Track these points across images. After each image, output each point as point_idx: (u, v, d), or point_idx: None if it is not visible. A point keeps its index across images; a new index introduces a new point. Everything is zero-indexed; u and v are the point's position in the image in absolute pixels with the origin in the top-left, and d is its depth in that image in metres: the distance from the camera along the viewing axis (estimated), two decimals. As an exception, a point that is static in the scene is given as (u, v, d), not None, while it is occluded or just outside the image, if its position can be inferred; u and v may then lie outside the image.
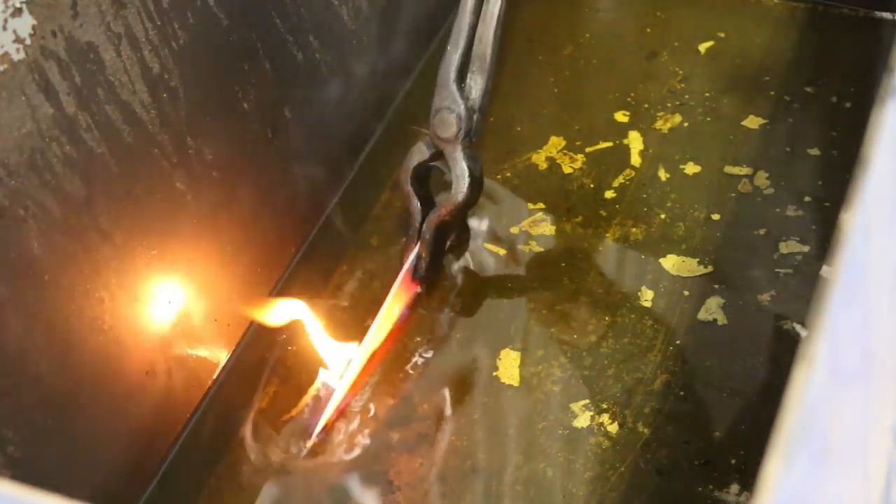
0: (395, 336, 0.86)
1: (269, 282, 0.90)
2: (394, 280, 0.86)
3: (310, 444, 0.80)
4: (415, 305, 0.88)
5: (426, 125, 0.86)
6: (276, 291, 0.89)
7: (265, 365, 0.86)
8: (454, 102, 0.85)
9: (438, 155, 0.87)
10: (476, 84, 0.86)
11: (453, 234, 0.91)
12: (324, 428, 0.80)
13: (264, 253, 0.89)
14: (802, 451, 0.39)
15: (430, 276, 0.89)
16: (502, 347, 0.85)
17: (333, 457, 0.80)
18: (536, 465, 0.78)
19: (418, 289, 0.88)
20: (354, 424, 0.81)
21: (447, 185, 0.87)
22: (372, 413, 0.82)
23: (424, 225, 0.87)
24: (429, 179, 0.89)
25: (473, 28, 0.85)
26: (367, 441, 0.80)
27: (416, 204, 0.88)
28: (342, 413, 0.82)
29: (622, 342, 0.85)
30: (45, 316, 0.68)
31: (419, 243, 0.87)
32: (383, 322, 0.85)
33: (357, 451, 0.80)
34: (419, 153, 0.88)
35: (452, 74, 0.85)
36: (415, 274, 0.88)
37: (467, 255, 0.92)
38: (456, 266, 0.91)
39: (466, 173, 0.86)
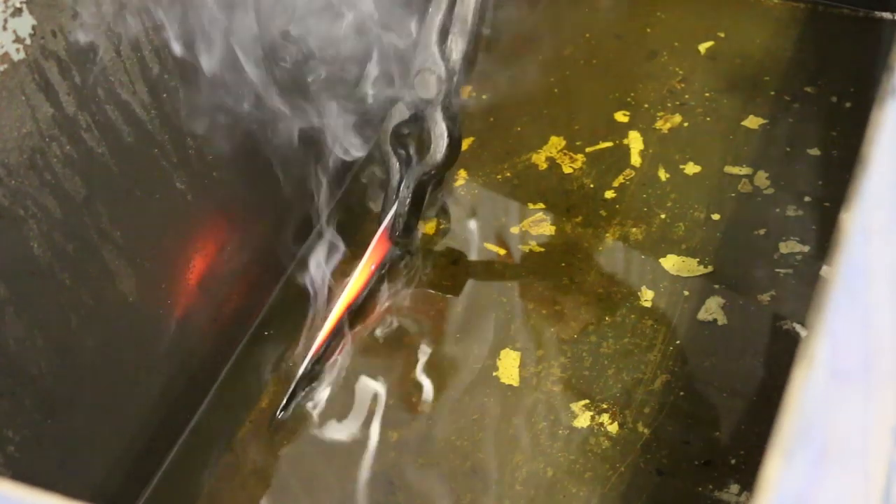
0: (365, 289, 0.88)
1: (269, 282, 0.90)
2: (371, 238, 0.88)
3: (283, 404, 0.82)
4: (387, 263, 0.90)
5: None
6: (276, 291, 0.90)
7: (265, 365, 0.86)
8: (435, 63, 0.86)
9: (418, 115, 0.88)
10: (457, 46, 0.87)
11: (429, 194, 0.92)
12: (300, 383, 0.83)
13: (265, 252, 0.89)
14: (802, 451, 0.39)
15: (406, 236, 0.90)
16: (502, 347, 0.85)
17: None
18: (536, 465, 0.78)
19: (393, 247, 0.90)
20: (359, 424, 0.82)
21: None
22: (371, 413, 0.82)
23: (403, 184, 0.88)
24: (408, 140, 0.90)
25: None
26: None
27: (396, 164, 0.89)
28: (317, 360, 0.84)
29: (622, 342, 0.85)
30: (45, 316, 0.68)
31: (397, 202, 0.89)
32: (358, 278, 0.87)
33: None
34: (399, 113, 0.88)
35: (434, 36, 0.86)
36: (392, 232, 0.89)
37: (467, 252, 0.92)
38: (455, 264, 0.92)
39: (446, 133, 0.87)
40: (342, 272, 0.89)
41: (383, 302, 0.89)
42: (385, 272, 0.90)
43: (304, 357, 0.84)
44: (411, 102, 0.87)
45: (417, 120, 0.88)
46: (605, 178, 0.96)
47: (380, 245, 0.89)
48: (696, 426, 0.79)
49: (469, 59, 0.88)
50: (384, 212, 0.89)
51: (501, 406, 0.82)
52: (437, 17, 0.86)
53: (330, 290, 0.88)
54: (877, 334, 0.49)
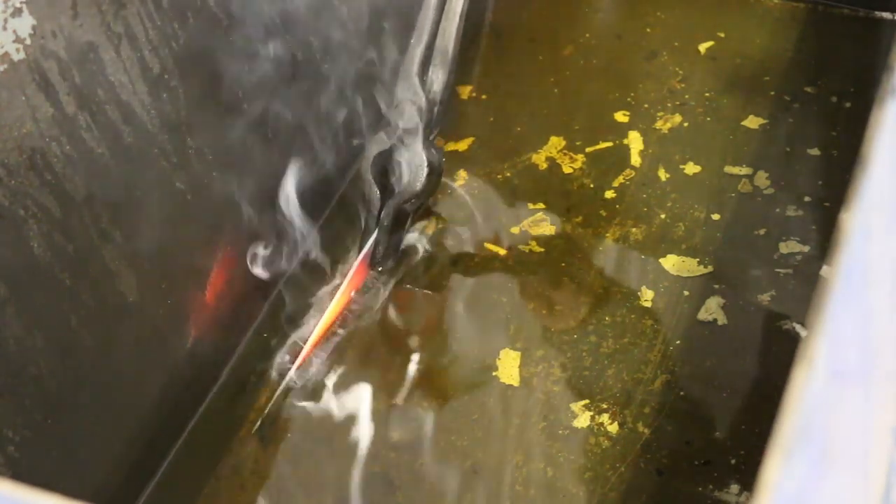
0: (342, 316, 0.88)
1: (269, 282, 0.90)
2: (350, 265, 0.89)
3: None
4: (363, 289, 0.90)
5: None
6: (277, 290, 0.90)
7: (265, 365, 0.86)
8: (416, 94, 0.87)
9: (399, 145, 0.89)
10: (437, 77, 0.88)
11: (409, 223, 0.93)
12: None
13: (266, 252, 0.89)
14: (802, 451, 0.39)
15: (386, 263, 0.90)
16: (502, 347, 0.85)
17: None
18: (536, 465, 0.78)
19: (371, 273, 0.90)
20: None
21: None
22: (371, 413, 0.82)
23: (383, 212, 0.89)
24: (389, 169, 0.90)
25: (437, 24, 0.87)
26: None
27: (377, 192, 0.90)
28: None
29: (622, 342, 0.85)
30: (45, 316, 0.68)
31: (377, 230, 0.89)
32: (337, 303, 0.87)
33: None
34: (380, 143, 0.89)
35: (415, 67, 0.87)
36: (372, 259, 0.90)
37: (467, 252, 0.92)
38: (455, 264, 0.92)
39: (425, 163, 0.88)
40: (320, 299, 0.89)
41: (383, 301, 0.89)
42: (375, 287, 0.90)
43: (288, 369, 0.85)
44: (392, 132, 0.88)
45: (398, 150, 0.89)
46: (605, 178, 0.96)
47: (359, 271, 0.89)
48: (696, 426, 0.79)
49: (449, 91, 0.89)
50: (364, 238, 0.90)
51: (501, 406, 0.82)
52: (417, 50, 0.87)
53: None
54: (877, 334, 0.49)
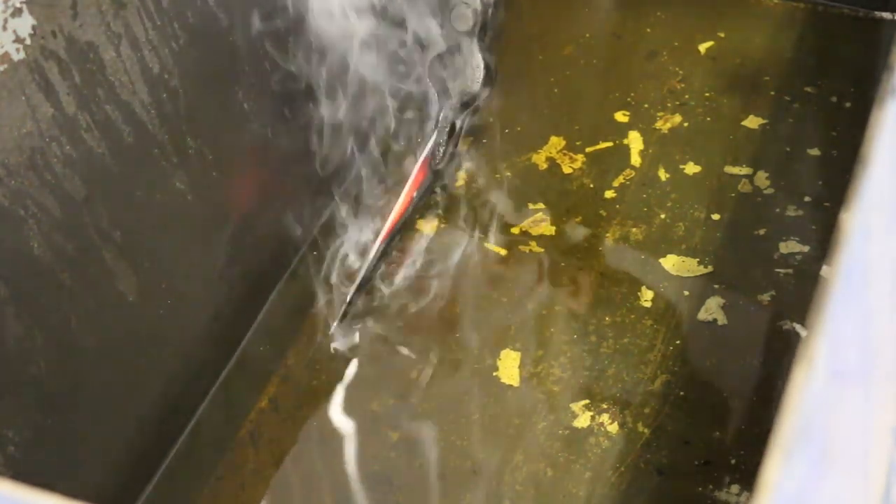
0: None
1: (270, 282, 0.90)
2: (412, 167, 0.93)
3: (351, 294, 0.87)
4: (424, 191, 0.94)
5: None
6: (276, 291, 0.90)
7: (265, 365, 0.86)
8: None
9: (455, 47, 0.91)
10: None
11: (463, 124, 0.95)
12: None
13: (266, 250, 0.89)
14: (802, 451, 0.39)
15: (444, 162, 0.94)
16: (502, 347, 0.85)
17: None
18: (536, 465, 0.78)
19: (430, 174, 0.94)
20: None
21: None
22: (371, 413, 0.82)
23: (441, 114, 0.92)
24: (444, 70, 0.92)
25: None
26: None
27: (434, 93, 0.92)
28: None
29: (622, 342, 0.84)
30: (45, 316, 0.68)
31: (436, 131, 0.92)
32: (401, 203, 0.91)
33: None
34: (436, 45, 0.91)
35: None
36: (433, 160, 0.93)
37: (467, 252, 0.92)
38: (455, 264, 0.92)
39: (482, 65, 0.90)
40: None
41: (384, 301, 0.89)
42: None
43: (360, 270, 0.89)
44: (447, 35, 0.90)
45: (454, 52, 0.91)
46: (605, 178, 0.96)
47: (420, 172, 0.92)
48: (696, 426, 0.79)
49: None
50: (423, 141, 0.93)
51: (501, 406, 0.82)
52: None
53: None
54: (877, 334, 0.49)
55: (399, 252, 0.92)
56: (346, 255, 0.91)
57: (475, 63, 0.91)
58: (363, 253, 0.90)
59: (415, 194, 0.92)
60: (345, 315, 0.86)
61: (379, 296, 0.89)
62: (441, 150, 0.92)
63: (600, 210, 0.94)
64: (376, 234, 0.90)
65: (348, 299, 0.87)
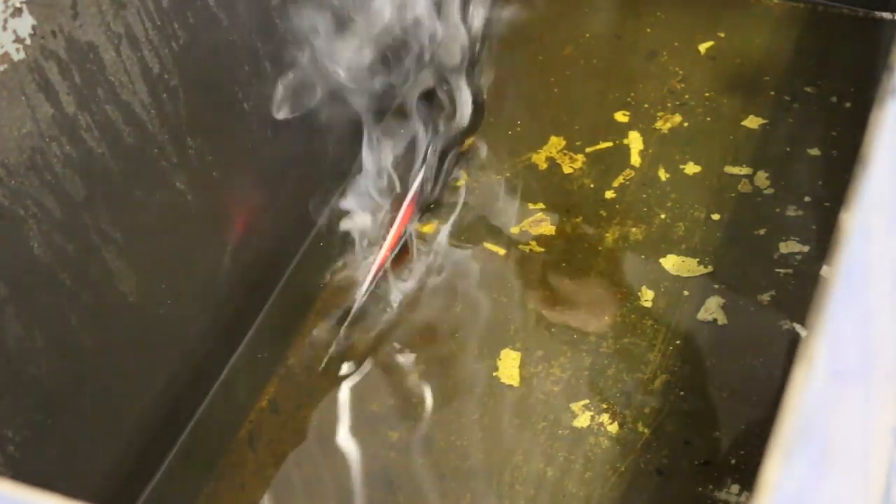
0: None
1: (270, 282, 0.90)
2: (399, 207, 0.91)
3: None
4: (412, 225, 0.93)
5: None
6: (276, 291, 0.90)
7: (265, 365, 0.86)
8: (458, 33, 0.88)
9: (442, 83, 0.90)
10: (478, 14, 0.89)
11: (453, 160, 0.95)
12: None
13: (265, 251, 0.89)
14: (802, 451, 0.39)
15: (432, 199, 0.93)
16: (502, 347, 0.85)
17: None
18: (536, 465, 0.78)
19: (418, 211, 0.93)
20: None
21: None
22: (371, 413, 0.82)
23: (429, 151, 0.91)
24: (432, 107, 0.92)
25: None
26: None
27: (421, 130, 0.91)
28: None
29: (622, 342, 0.84)
30: (45, 316, 0.68)
31: (423, 168, 0.91)
32: (391, 240, 0.90)
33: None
34: (424, 81, 0.91)
35: (456, 6, 0.88)
36: (420, 199, 0.92)
37: (467, 252, 0.92)
38: (455, 264, 0.92)
39: (470, 100, 0.90)
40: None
41: (384, 301, 0.89)
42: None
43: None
44: (435, 70, 0.89)
45: (441, 88, 0.90)
46: (605, 178, 0.96)
47: (409, 209, 0.91)
48: (696, 426, 0.79)
49: (490, 27, 0.91)
50: (411, 177, 0.92)
51: (501, 406, 0.82)
52: None
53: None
54: (877, 334, 0.49)
55: (399, 252, 0.91)
56: (347, 256, 0.91)
57: (463, 99, 0.90)
58: (363, 258, 0.90)
59: (404, 231, 0.91)
60: (345, 316, 0.86)
61: (379, 296, 0.89)
62: (429, 187, 0.91)
63: (600, 210, 0.94)
64: (371, 262, 0.89)
65: (349, 304, 0.87)
